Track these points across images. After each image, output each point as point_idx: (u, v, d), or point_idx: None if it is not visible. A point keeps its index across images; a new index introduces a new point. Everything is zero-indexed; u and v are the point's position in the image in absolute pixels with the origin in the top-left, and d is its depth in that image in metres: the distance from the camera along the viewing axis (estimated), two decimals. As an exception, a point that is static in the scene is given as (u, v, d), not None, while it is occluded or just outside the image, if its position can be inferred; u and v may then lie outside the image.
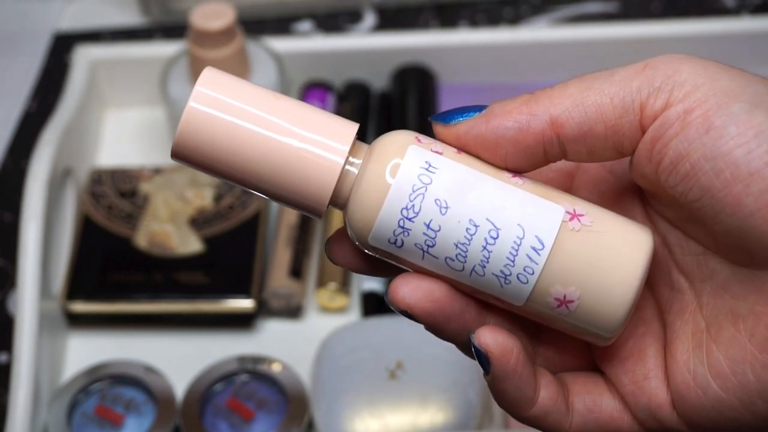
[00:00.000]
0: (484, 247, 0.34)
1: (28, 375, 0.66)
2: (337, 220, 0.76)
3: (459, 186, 0.35)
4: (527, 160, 0.36)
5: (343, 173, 0.35)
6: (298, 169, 0.35)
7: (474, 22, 0.93)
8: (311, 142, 0.35)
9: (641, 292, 0.35)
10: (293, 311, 0.74)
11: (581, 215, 0.35)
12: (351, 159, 0.35)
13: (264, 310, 0.74)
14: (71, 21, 0.95)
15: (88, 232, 0.75)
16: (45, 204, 0.70)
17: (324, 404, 0.66)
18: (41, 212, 0.70)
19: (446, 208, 0.35)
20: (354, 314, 0.74)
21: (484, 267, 0.35)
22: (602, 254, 0.35)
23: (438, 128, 0.36)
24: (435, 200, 0.35)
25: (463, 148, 0.36)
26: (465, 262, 0.35)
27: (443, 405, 0.65)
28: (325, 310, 0.74)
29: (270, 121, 0.35)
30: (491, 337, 0.35)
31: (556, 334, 0.38)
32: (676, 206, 0.35)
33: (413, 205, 0.35)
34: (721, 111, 0.33)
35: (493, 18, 0.93)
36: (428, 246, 0.35)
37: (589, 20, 0.92)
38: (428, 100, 0.83)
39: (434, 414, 0.64)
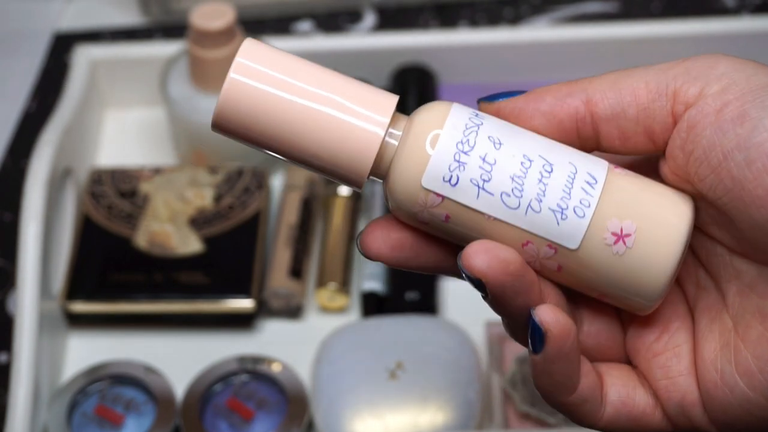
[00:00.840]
0: (540, 180, 0.35)
1: (27, 375, 0.66)
2: (337, 217, 0.76)
3: (509, 130, 0.36)
4: (561, 137, 0.36)
5: (384, 144, 0.36)
6: (339, 141, 0.35)
7: (474, 22, 0.92)
8: (352, 113, 0.35)
9: (686, 250, 0.36)
10: (293, 311, 0.74)
11: (623, 169, 0.36)
12: (391, 130, 0.36)
13: (264, 310, 0.74)
14: (71, 21, 0.95)
15: (88, 232, 0.75)
16: (45, 204, 0.70)
17: (324, 404, 0.66)
18: (41, 212, 0.70)
19: (500, 144, 0.35)
20: (354, 314, 0.74)
21: (540, 201, 0.35)
22: (653, 194, 0.35)
23: (482, 105, 0.37)
24: (488, 137, 0.35)
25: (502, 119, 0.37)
26: (521, 197, 0.35)
27: (443, 405, 0.65)
28: (325, 310, 0.74)
29: (310, 92, 0.35)
30: (552, 316, 0.35)
31: (595, 323, 0.38)
32: (702, 206, 0.35)
33: (467, 140, 0.35)
34: (756, 103, 0.33)
35: (493, 18, 0.93)
36: (484, 181, 0.35)
37: (589, 20, 0.92)
38: (428, 100, 0.82)
39: (434, 414, 0.64)
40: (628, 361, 0.38)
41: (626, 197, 0.35)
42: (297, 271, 0.73)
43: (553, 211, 0.35)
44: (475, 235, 0.36)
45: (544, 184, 0.35)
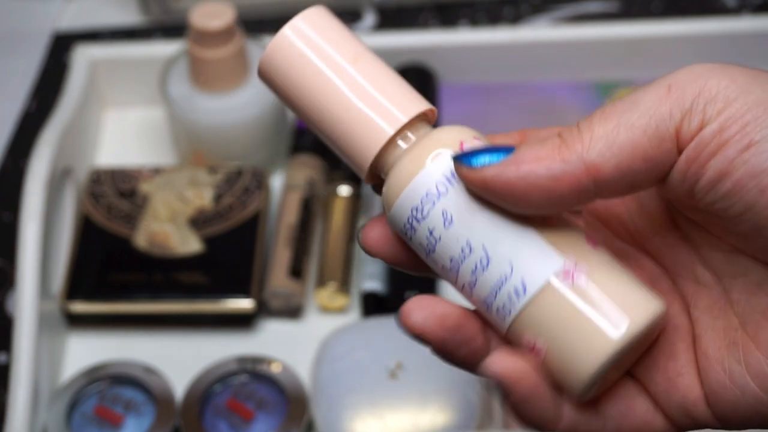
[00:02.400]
0: (473, 272, 0.35)
1: (27, 375, 0.66)
2: (337, 217, 0.76)
3: (470, 206, 0.35)
4: (559, 208, 0.34)
5: (392, 144, 0.36)
6: (355, 125, 0.36)
7: (474, 22, 0.92)
8: (375, 105, 0.36)
9: (621, 370, 0.35)
10: (293, 311, 0.74)
11: (579, 274, 0.34)
12: (408, 134, 0.36)
13: (264, 310, 0.74)
14: (70, 20, 0.95)
15: (88, 232, 0.75)
16: (44, 204, 0.70)
17: (324, 404, 0.66)
18: (40, 212, 0.70)
19: (450, 223, 0.35)
20: (354, 314, 0.74)
21: (472, 289, 0.35)
22: (577, 323, 0.34)
23: (463, 171, 0.35)
24: (442, 212, 0.35)
25: (490, 194, 0.34)
26: (457, 277, 0.35)
27: (443, 405, 0.65)
28: (325, 310, 0.74)
29: (347, 73, 0.36)
30: (501, 365, 0.34)
31: None
32: (707, 214, 0.34)
33: (422, 208, 0.35)
34: (758, 125, 0.32)
35: (493, 18, 0.93)
36: (429, 250, 0.36)
37: (589, 20, 0.91)
38: (428, 100, 0.82)
39: (434, 414, 0.64)
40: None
41: (546, 319, 0.34)
42: (297, 271, 0.73)
43: (482, 300, 0.35)
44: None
45: (476, 278, 0.35)
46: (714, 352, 0.35)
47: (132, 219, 0.76)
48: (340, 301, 0.73)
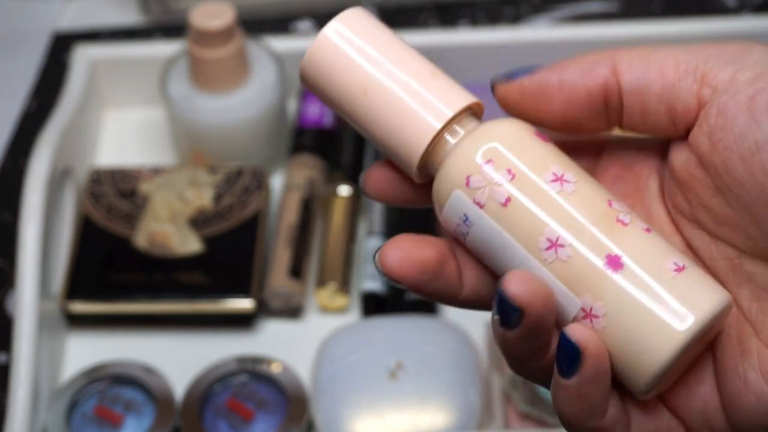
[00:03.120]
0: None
1: (27, 375, 0.66)
2: (337, 217, 0.76)
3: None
4: (589, 108, 0.35)
5: (440, 139, 0.36)
6: (401, 124, 0.35)
7: (474, 22, 0.92)
8: (420, 102, 0.35)
9: (684, 366, 0.34)
10: (293, 311, 0.74)
11: (595, 317, 0.33)
12: (456, 127, 0.36)
13: (264, 310, 0.74)
14: (70, 20, 0.95)
15: (88, 232, 0.75)
16: (44, 204, 0.70)
17: (324, 404, 0.66)
18: (40, 212, 0.70)
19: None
20: (354, 314, 0.74)
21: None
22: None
23: (500, 87, 0.36)
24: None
25: (527, 100, 0.35)
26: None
27: (443, 405, 0.65)
28: (325, 310, 0.74)
29: (392, 72, 0.36)
30: (587, 332, 0.33)
31: None
32: (715, 203, 0.34)
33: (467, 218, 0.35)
34: None
35: (493, 17, 0.93)
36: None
37: (589, 20, 0.91)
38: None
39: (434, 414, 0.64)
40: None
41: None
42: (297, 271, 0.73)
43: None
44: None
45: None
46: (729, 361, 0.34)
47: (132, 219, 0.76)
48: (340, 301, 0.73)
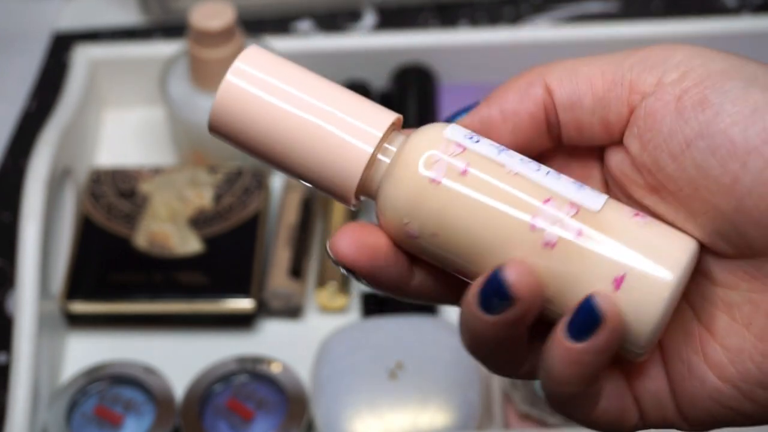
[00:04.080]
0: (547, 174, 0.34)
1: (27, 375, 0.66)
2: (337, 217, 0.76)
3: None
4: (534, 130, 0.35)
5: (373, 162, 0.35)
6: (328, 155, 0.34)
7: (474, 22, 0.92)
8: (344, 128, 0.34)
9: (669, 316, 0.34)
10: (293, 311, 0.74)
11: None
12: (386, 146, 0.35)
13: (264, 310, 0.74)
14: (70, 20, 0.95)
15: (88, 232, 0.75)
16: (44, 204, 0.70)
17: (324, 404, 0.66)
18: (40, 212, 0.70)
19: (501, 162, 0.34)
20: (354, 314, 0.74)
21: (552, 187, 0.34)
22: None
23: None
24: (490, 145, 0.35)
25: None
26: (538, 169, 0.34)
27: (443, 405, 0.65)
28: (325, 310, 0.74)
29: (306, 102, 0.35)
30: (610, 303, 0.32)
31: None
32: (650, 202, 0.34)
33: (473, 136, 0.35)
34: (716, 89, 0.32)
35: (493, 17, 0.93)
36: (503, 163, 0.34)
37: (589, 20, 0.91)
38: (428, 100, 0.83)
39: (434, 414, 0.64)
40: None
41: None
42: (297, 271, 0.73)
43: (573, 182, 0.34)
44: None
45: (555, 180, 0.34)
46: (673, 347, 0.34)
47: (132, 219, 0.76)
48: (340, 301, 0.73)
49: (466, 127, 0.36)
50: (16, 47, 0.93)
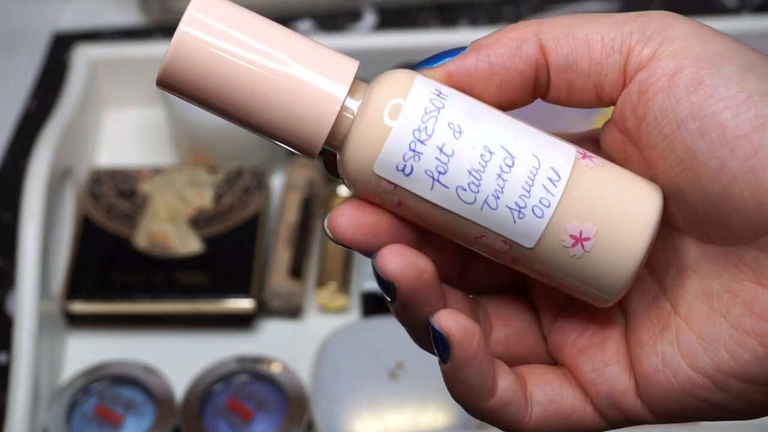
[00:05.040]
0: (499, 175, 0.33)
1: (27, 375, 0.66)
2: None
3: (471, 113, 0.33)
4: (521, 88, 0.34)
5: (341, 113, 0.33)
6: (293, 107, 0.33)
7: (474, 22, 0.92)
8: (309, 78, 0.33)
9: (652, 246, 0.34)
10: (293, 311, 0.74)
11: (592, 157, 0.34)
12: (350, 98, 0.34)
13: (264, 310, 0.74)
14: (70, 20, 0.95)
15: (88, 232, 0.75)
16: (44, 204, 0.70)
17: (324, 404, 0.66)
18: (40, 212, 0.70)
19: (460, 132, 0.33)
20: (354, 314, 0.74)
21: (498, 198, 0.33)
22: (618, 192, 0.33)
23: (425, 73, 0.35)
24: (448, 123, 0.33)
25: (454, 86, 0.34)
26: (477, 192, 0.33)
27: (443, 405, 0.65)
28: (325, 310, 0.74)
29: (267, 52, 0.33)
30: (452, 320, 0.33)
31: (504, 329, 0.37)
32: (649, 176, 0.34)
33: (426, 127, 0.33)
34: (712, 71, 0.32)
35: (493, 18, 0.93)
36: (440, 173, 0.33)
37: (589, 20, 0.91)
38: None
39: (434, 414, 0.64)
40: (551, 362, 0.37)
41: (589, 196, 0.33)
42: (297, 271, 0.73)
43: (510, 209, 0.33)
44: (426, 224, 0.34)
45: (503, 180, 0.33)
46: (647, 339, 0.34)
47: (132, 219, 0.76)
48: (340, 301, 0.73)
49: (450, 74, 0.34)
50: (16, 47, 0.93)
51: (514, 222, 0.33)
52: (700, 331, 0.33)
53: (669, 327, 0.34)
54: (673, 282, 0.34)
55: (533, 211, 0.33)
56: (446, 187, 0.33)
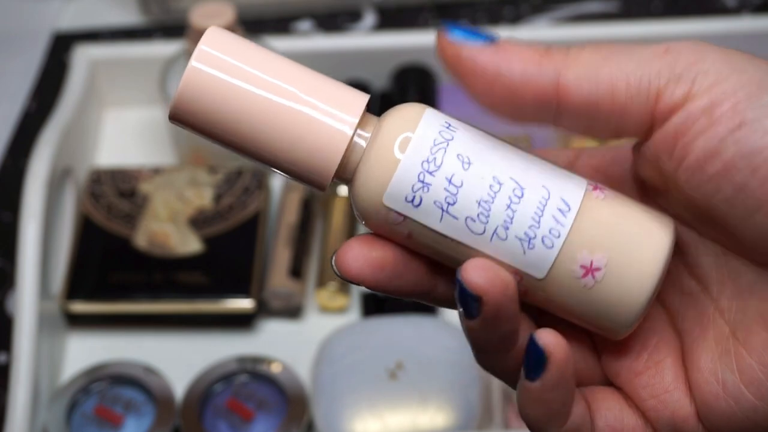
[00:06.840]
0: (509, 206, 0.33)
1: (27, 375, 0.66)
2: (337, 217, 0.76)
3: (481, 146, 0.33)
4: (515, 110, 0.33)
5: (351, 145, 0.33)
6: (303, 139, 0.33)
7: (474, 22, 0.92)
8: (319, 110, 0.33)
9: (663, 279, 0.34)
10: (293, 311, 0.74)
11: (603, 188, 0.34)
12: (360, 131, 0.34)
13: (264, 310, 0.74)
14: (70, 20, 0.95)
15: (88, 232, 0.75)
16: (44, 204, 0.70)
17: (324, 404, 0.66)
18: (40, 212, 0.70)
19: (469, 163, 0.33)
20: (354, 314, 0.74)
21: (507, 229, 0.33)
22: (629, 224, 0.33)
23: (443, 41, 0.33)
24: (457, 155, 0.33)
25: (458, 74, 0.33)
26: (487, 223, 0.33)
27: (443, 405, 0.65)
28: (325, 310, 0.74)
29: (276, 86, 0.33)
30: (554, 339, 0.32)
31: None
32: (691, 206, 0.33)
33: (434, 158, 0.33)
34: (752, 103, 0.31)
35: (493, 18, 0.93)
36: (449, 204, 0.33)
37: (589, 20, 0.91)
38: (428, 100, 0.83)
39: (434, 414, 0.64)
40: (607, 383, 0.36)
41: (600, 227, 0.33)
42: (297, 271, 0.73)
43: (520, 239, 0.33)
44: (436, 256, 0.34)
45: (513, 211, 0.33)
46: (706, 364, 0.34)
47: (132, 219, 0.76)
48: (340, 301, 0.73)
49: (459, 58, 0.33)
50: (16, 47, 0.93)
51: (524, 252, 0.33)
52: (761, 358, 0.32)
53: (728, 352, 0.33)
54: (730, 304, 0.34)
55: (543, 241, 0.33)
56: (455, 218, 0.33)
